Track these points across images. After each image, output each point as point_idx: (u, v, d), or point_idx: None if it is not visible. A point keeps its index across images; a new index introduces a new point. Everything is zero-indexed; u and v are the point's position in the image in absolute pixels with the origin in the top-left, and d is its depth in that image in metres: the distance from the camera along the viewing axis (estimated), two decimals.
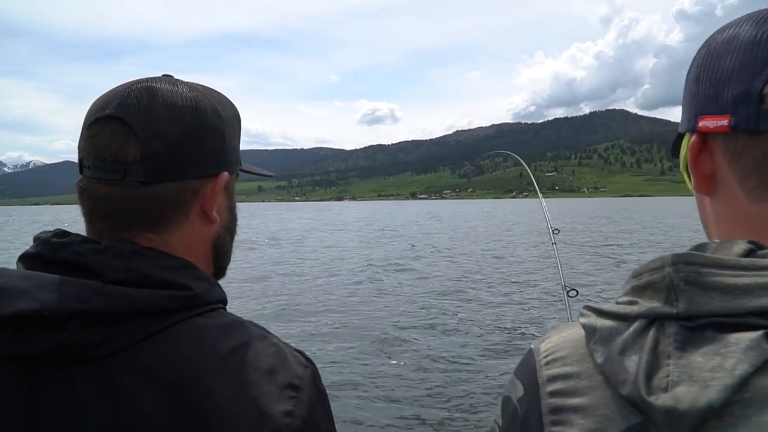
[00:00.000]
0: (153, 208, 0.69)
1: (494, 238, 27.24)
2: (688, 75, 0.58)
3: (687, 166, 0.60)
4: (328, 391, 0.68)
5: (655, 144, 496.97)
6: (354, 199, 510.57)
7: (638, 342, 0.45)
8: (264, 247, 23.29)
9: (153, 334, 0.62)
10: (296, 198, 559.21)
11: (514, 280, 13.88)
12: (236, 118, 0.81)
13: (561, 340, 0.55)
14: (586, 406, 0.47)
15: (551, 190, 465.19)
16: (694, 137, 0.54)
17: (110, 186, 0.68)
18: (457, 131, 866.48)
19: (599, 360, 0.48)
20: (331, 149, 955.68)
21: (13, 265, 0.67)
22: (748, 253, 0.45)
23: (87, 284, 0.61)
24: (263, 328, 0.72)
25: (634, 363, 0.44)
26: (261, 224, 45.23)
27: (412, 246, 23.25)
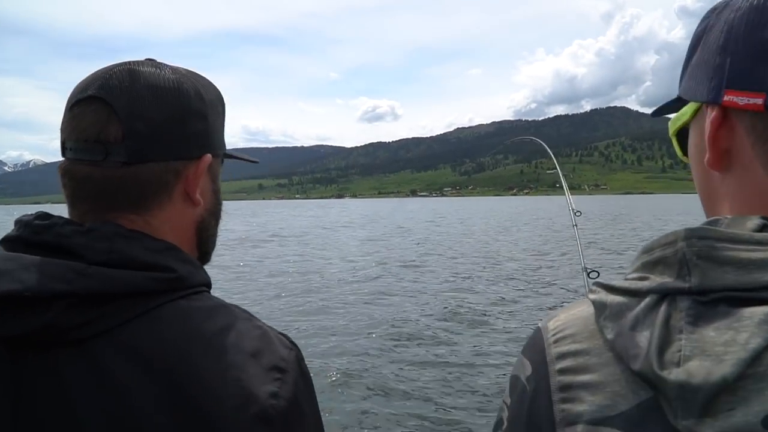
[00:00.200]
0: (135, 188, 0.69)
1: (511, 231, 27.41)
2: (704, 40, 0.54)
3: (677, 132, 0.60)
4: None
5: (656, 141, 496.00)
6: (354, 196, 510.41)
7: (650, 317, 0.44)
8: (272, 245, 23.30)
9: (137, 316, 0.62)
10: (297, 196, 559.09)
11: (535, 267, 13.94)
12: (219, 102, 0.81)
13: (569, 317, 0.55)
14: (596, 383, 0.47)
15: (552, 187, 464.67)
16: (715, 112, 0.51)
17: (92, 167, 0.68)
18: (458, 128, 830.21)
19: (610, 336, 0.47)
20: (331, 147, 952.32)
21: None
22: (761, 229, 0.45)
23: (70, 265, 0.60)
24: (248, 312, 0.72)
25: (645, 338, 0.43)
26: (267, 222, 45.16)
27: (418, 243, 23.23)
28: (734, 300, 0.41)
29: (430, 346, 7.43)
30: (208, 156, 0.75)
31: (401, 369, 6.51)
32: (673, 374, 0.40)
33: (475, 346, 7.46)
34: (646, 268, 0.48)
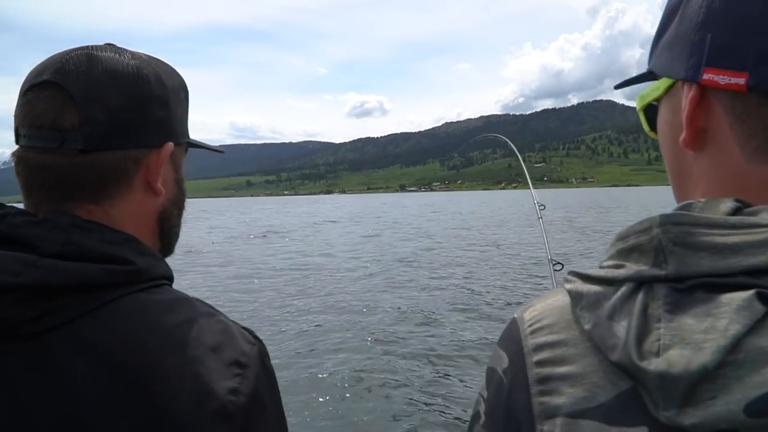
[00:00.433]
0: (93, 177, 0.67)
1: (486, 224, 27.62)
2: (681, 13, 0.51)
3: (645, 108, 0.59)
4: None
5: (642, 134, 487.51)
6: (343, 192, 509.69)
7: (627, 306, 0.44)
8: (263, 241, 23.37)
9: (93, 309, 0.60)
10: (285, 192, 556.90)
11: (502, 259, 14.21)
12: (182, 89, 0.78)
13: (546, 307, 0.54)
14: (574, 374, 0.47)
15: (540, 180, 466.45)
16: (693, 90, 0.49)
17: (47, 155, 0.65)
18: (446, 123, 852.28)
19: (587, 326, 0.47)
20: (319, 142, 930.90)
21: None
22: (735, 211, 0.44)
23: (20, 257, 0.59)
24: (211, 306, 0.71)
25: (623, 328, 0.43)
26: (258, 219, 45.16)
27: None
28: (712, 286, 0.41)
29: (401, 338, 7.49)
30: (170, 144, 0.73)
31: (369, 363, 6.62)
32: (653, 364, 0.39)
33: (453, 335, 7.66)
34: (622, 255, 0.48)
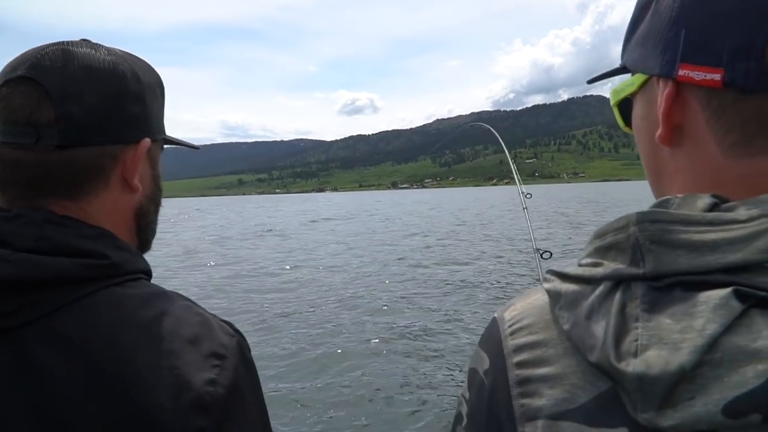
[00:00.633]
0: (69, 173, 0.67)
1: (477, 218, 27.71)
2: (654, 8, 0.51)
3: (619, 104, 0.59)
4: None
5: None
6: (335, 190, 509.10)
7: (605, 305, 0.44)
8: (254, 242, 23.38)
9: (68, 304, 0.60)
10: (277, 190, 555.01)
11: (491, 251, 14.36)
12: (158, 85, 0.78)
13: (525, 307, 0.53)
14: (554, 376, 0.46)
15: (531, 176, 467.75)
16: (669, 87, 0.49)
17: (23, 151, 0.65)
18: (437, 120, 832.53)
19: (566, 326, 0.46)
20: (311, 140, 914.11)
21: None
22: (712, 207, 0.44)
23: None
24: (189, 299, 0.70)
25: (601, 328, 0.43)
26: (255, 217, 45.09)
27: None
28: (689, 284, 0.41)
29: (390, 338, 7.48)
30: (147, 140, 0.73)
31: (358, 354, 6.71)
32: (631, 366, 0.39)
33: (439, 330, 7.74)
34: (599, 253, 0.47)
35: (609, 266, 0.45)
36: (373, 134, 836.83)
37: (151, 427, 0.57)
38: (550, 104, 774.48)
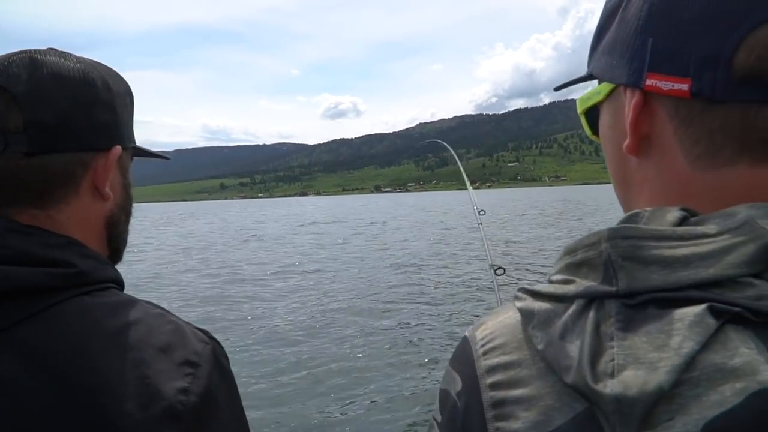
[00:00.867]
0: (38, 181, 0.66)
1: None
2: (620, 17, 0.50)
3: (586, 111, 0.58)
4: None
5: None
6: (318, 194, 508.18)
7: (578, 324, 0.43)
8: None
9: (34, 314, 0.59)
10: (260, 194, 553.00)
11: (444, 265, 14.54)
12: (128, 93, 0.78)
13: (497, 326, 0.52)
14: (529, 397, 0.45)
15: (513, 180, 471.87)
16: (636, 96, 0.49)
17: None
18: (420, 124, 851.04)
19: (540, 346, 0.45)
20: (294, 144, 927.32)
21: None
22: (682, 221, 0.43)
23: None
24: (161, 307, 0.69)
25: (576, 347, 0.42)
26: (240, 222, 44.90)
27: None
28: (663, 301, 0.40)
29: (346, 355, 7.17)
30: (118, 148, 0.72)
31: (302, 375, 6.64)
32: (608, 387, 0.38)
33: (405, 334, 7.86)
34: (570, 269, 0.47)
35: (581, 283, 0.45)
36: (356, 138, 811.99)
37: None
38: (532, 108, 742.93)
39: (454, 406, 0.51)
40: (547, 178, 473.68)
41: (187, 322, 0.69)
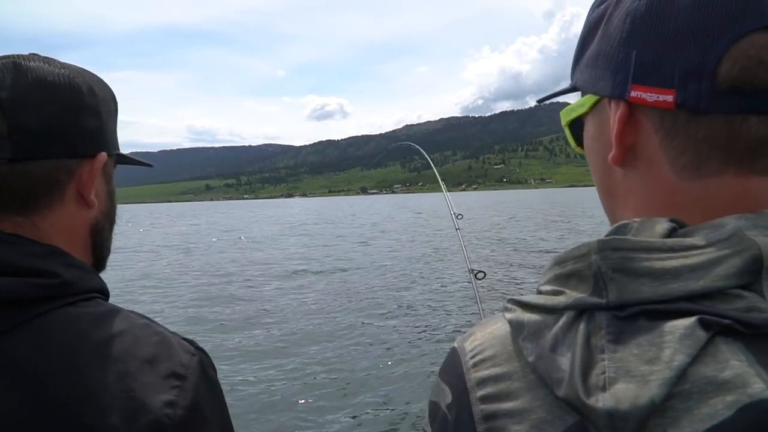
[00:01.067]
0: (22, 188, 0.64)
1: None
2: (603, 30, 0.51)
3: (570, 123, 0.58)
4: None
5: None
6: (304, 195, 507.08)
7: (569, 336, 0.43)
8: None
9: (18, 326, 0.58)
10: (245, 196, 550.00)
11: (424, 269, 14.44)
12: (112, 100, 0.77)
13: (487, 337, 0.51)
14: (520, 410, 0.44)
15: (499, 182, 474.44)
16: (621, 108, 0.49)
17: None
18: (407, 126, 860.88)
19: (530, 358, 0.45)
20: (279, 146, 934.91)
21: None
22: (671, 232, 0.44)
23: None
24: (147, 317, 0.68)
25: (567, 360, 0.41)
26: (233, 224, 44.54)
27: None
28: (653, 313, 0.40)
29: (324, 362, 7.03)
30: (103, 154, 0.71)
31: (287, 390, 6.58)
32: (600, 401, 0.38)
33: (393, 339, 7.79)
34: (559, 280, 0.46)
35: (571, 295, 0.44)
36: (342, 139, 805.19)
37: None
38: (518, 110, 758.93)
39: (444, 418, 0.51)
40: (532, 181, 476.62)
41: (173, 333, 0.68)
